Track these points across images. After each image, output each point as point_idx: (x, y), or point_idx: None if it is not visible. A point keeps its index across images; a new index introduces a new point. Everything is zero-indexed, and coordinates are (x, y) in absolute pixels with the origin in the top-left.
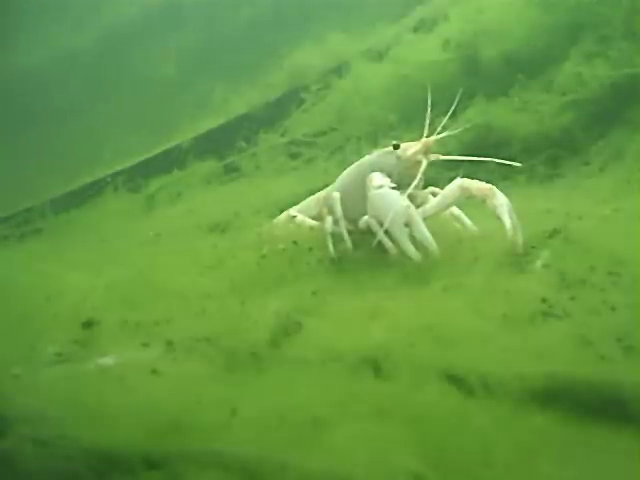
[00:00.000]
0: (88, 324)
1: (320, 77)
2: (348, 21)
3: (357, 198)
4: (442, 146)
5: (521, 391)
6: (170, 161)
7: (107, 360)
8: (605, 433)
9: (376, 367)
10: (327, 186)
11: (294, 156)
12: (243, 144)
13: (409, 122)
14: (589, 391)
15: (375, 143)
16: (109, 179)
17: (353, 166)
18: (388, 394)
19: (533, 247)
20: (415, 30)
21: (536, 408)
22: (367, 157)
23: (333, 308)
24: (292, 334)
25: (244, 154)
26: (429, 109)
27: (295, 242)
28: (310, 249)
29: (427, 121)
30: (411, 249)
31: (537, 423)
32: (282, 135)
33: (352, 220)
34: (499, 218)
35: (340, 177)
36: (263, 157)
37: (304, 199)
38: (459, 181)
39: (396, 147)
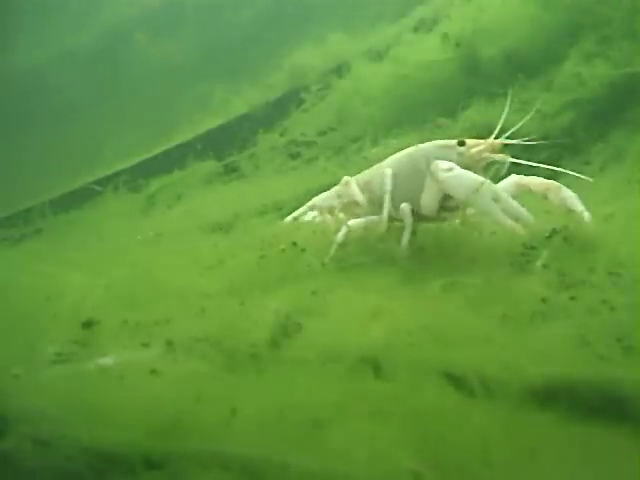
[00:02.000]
0: (88, 324)
1: (320, 77)
2: (348, 21)
3: (405, 186)
4: None
5: (521, 391)
6: (170, 161)
7: (107, 360)
8: (605, 432)
9: (376, 367)
10: (327, 186)
11: (294, 156)
12: (243, 144)
13: (409, 122)
14: (589, 391)
15: (375, 143)
16: (104, 183)
17: (402, 154)
18: (388, 394)
19: (533, 247)
20: (415, 30)
21: (536, 408)
22: (420, 147)
23: (333, 308)
24: (292, 334)
25: (244, 154)
26: (506, 110)
27: (294, 243)
28: (311, 250)
29: (501, 121)
30: (510, 222)
31: (537, 423)
32: (282, 135)
33: (394, 208)
34: (571, 209)
35: (386, 163)
36: (263, 157)
37: (304, 199)
38: (515, 178)
39: (461, 144)
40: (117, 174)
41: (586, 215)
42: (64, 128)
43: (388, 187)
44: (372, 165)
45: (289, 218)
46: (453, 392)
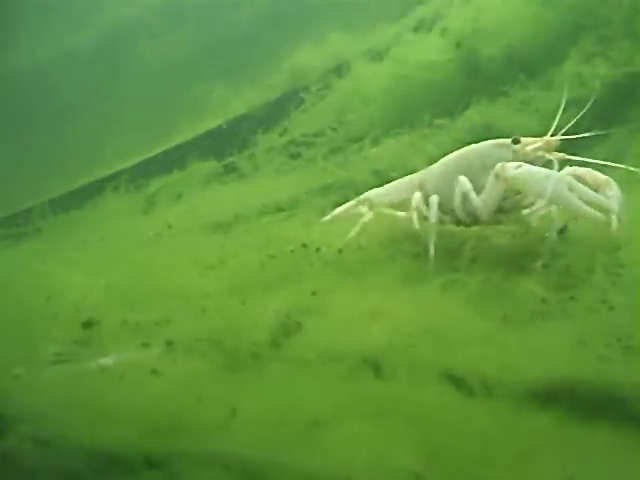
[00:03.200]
0: (88, 324)
1: (320, 77)
2: (348, 21)
3: (455, 189)
4: (438, 146)
5: (521, 391)
6: (170, 161)
7: (107, 360)
8: (605, 433)
9: (376, 367)
10: (327, 186)
11: (294, 156)
12: (243, 144)
13: (409, 122)
14: (589, 391)
15: (375, 143)
16: (104, 183)
17: (455, 154)
18: (388, 394)
19: (533, 247)
20: (415, 30)
21: (536, 408)
22: (473, 147)
23: (333, 308)
24: (292, 334)
25: (244, 154)
26: (562, 106)
27: (304, 245)
28: (318, 250)
29: (557, 118)
30: (591, 210)
31: (537, 423)
32: (282, 135)
33: (449, 211)
34: (605, 209)
35: (439, 164)
36: (263, 157)
37: (304, 199)
38: (570, 170)
39: (516, 142)
40: (117, 174)
41: (614, 219)
42: (64, 128)
43: (433, 215)
44: (372, 165)
45: (336, 211)
46: (453, 392)
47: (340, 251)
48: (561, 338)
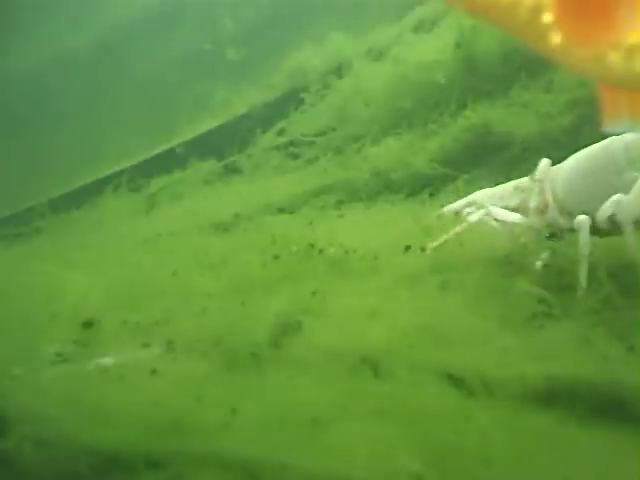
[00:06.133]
0: (88, 324)
1: (320, 77)
2: (348, 21)
3: (594, 188)
4: (439, 146)
5: (521, 391)
6: (170, 161)
7: (107, 360)
8: (605, 433)
9: (376, 367)
10: (327, 186)
11: (294, 156)
12: (243, 144)
13: (409, 122)
14: (589, 391)
15: (376, 143)
16: (104, 183)
17: (593, 150)
18: (388, 394)
19: (533, 247)
20: (415, 30)
21: (536, 408)
22: (617, 139)
23: (333, 308)
24: (292, 334)
25: (244, 154)
26: None
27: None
28: (321, 250)
29: None
30: None
31: (537, 423)
32: (282, 135)
33: (569, 214)
34: None
35: (570, 162)
36: (263, 157)
37: (304, 199)
38: None
39: None
40: (117, 174)
41: None
42: (64, 128)
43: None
44: (372, 165)
45: (446, 209)
46: (453, 392)
47: (350, 251)
48: (562, 338)
